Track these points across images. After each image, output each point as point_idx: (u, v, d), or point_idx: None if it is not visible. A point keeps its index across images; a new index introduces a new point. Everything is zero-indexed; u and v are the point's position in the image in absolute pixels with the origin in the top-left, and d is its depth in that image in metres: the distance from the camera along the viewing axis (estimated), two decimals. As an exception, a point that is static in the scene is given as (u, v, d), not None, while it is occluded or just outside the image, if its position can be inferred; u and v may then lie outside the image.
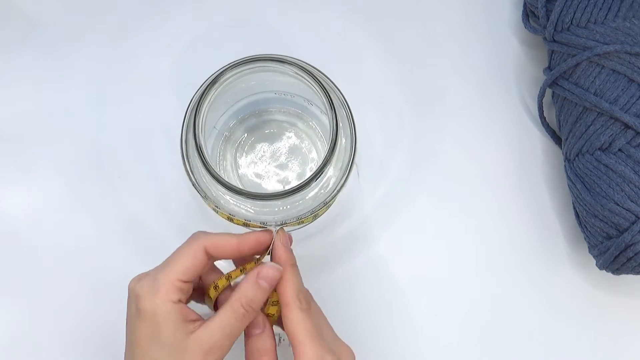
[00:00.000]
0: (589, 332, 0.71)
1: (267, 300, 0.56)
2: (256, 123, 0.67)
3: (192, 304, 0.56)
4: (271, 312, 0.56)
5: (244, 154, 0.67)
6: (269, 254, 0.56)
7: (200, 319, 0.54)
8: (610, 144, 0.65)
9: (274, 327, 0.58)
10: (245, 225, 0.58)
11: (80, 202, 0.72)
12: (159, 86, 0.74)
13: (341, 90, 0.59)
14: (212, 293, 0.56)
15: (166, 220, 0.71)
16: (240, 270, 0.56)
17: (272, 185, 0.66)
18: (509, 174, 0.74)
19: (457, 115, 0.75)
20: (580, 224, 0.68)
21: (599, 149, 0.65)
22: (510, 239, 0.72)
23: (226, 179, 0.54)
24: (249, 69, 0.57)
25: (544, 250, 0.72)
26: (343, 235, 0.71)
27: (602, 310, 0.71)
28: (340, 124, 0.56)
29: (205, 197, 0.57)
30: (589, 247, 0.68)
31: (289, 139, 0.67)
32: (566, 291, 0.71)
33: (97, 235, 0.71)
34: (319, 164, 0.54)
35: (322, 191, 0.58)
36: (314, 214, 0.57)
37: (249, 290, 0.53)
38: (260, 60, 0.57)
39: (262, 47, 0.61)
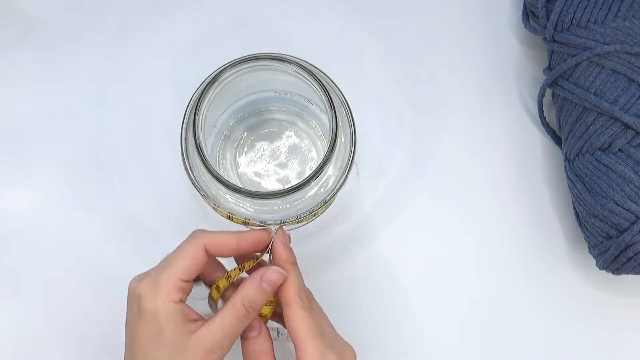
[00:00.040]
0: (589, 332, 0.71)
1: None
2: (256, 122, 0.67)
3: (192, 304, 0.55)
4: (264, 312, 0.56)
5: (244, 152, 0.67)
6: (268, 252, 0.56)
7: (201, 319, 0.54)
8: (610, 144, 0.65)
9: (271, 321, 0.58)
10: (245, 224, 0.58)
11: (80, 202, 0.72)
12: (159, 86, 0.74)
13: (341, 90, 0.59)
14: (215, 294, 0.56)
15: (166, 220, 0.71)
16: (240, 269, 0.56)
17: (271, 184, 0.66)
18: (509, 174, 0.74)
19: (457, 115, 0.75)
20: (580, 224, 0.68)
21: (599, 149, 0.65)
22: (510, 239, 0.72)
23: (226, 178, 0.54)
24: (249, 67, 0.57)
25: (544, 250, 0.72)
26: (343, 235, 0.71)
27: (602, 310, 0.71)
28: (340, 123, 0.56)
29: (204, 195, 0.57)
30: (589, 247, 0.68)
31: (288, 138, 0.67)
32: (566, 291, 0.71)
33: (97, 235, 0.71)
34: (319, 163, 0.54)
35: (322, 190, 0.58)
36: (314, 213, 0.57)
37: (252, 291, 0.54)
38: (260, 58, 0.57)
39: (262, 47, 0.61)
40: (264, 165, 0.66)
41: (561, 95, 0.69)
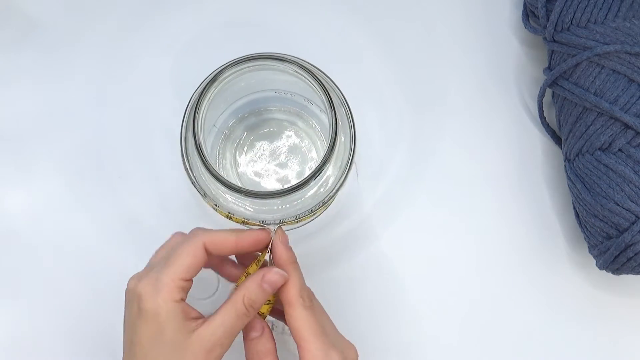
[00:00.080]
0: (589, 332, 0.71)
1: None
2: (256, 122, 0.67)
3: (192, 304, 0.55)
4: (262, 310, 0.57)
5: (244, 152, 0.67)
6: (269, 252, 0.56)
7: (201, 317, 0.54)
8: (610, 144, 0.65)
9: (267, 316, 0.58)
10: (244, 223, 0.58)
11: (80, 202, 0.72)
12: (159, 86, 0.74)
13: (341, 90, 0.59)
14: None
15: (166, 220, 0.71)
16: (245, 276, 0.57)
17: (271, 184, 0.66)
18: (509, 174, 0.74)
19: (457, 114, 0.75)
20: (580, 224, 0.68)
21: (599, 149, 0.65)
22: (510, 239, 0.72)
23: (225, 178, 0.54)
24: (249, 67, 0.57)
25: (544, 250, 0.72)
26: (343, 235, 0.71)
27: (602, 310, 0.71)
28: (340, 123, 0.56)
29: (204, 195, 0.57)
30: (589, 247, 0.68)
31: (288, 138, 0.67)
32: (566, 291, 0.71)
33: (97, 235, 0.71)
34: (318, 163, 0.54)
35: (321, 190, 0.58)
36: (312, 213, 0.57)
37: (253, 291, 0.54)
38: (260, 58, 0.57)
39: (262, 47, 0.61)
40: (264, 165, 0.66)
41: (561, 95, 0.69)
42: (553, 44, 0.69)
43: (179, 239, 0.57)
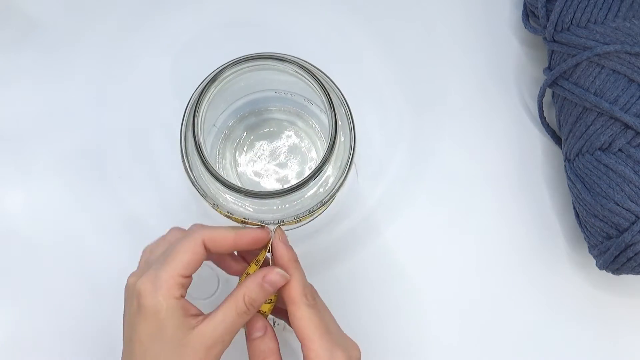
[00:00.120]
0: (589, 332, 0.71)
1: None
2: (256, 121, 0.67)
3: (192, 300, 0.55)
4: (263, 309, 0.56)
5: (244, 152, 0.67)
6: (268, 251, 0.56)
7: (201, 314, 0.54)
8: (610, 144, 0.65)
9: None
10: (244, 223, 0.58)
11: (80, 202, 0.72)
12: (159, 86, 0.74)
13: (340, 90, 0.59)
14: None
15: (166, 220, 0.70)
16: (245, 276, 0.57)
17: (271, 184, 0.66)
18: (509, 174, 0.74)
19: (457, 115, 0.75)
20: (580, 224, 0.68)
21: (599, 149, 0.65)
22: (510, 239, 0.72)
23: (225, 178, 0.54)
24: (249, 67, 0.57)
25: (544, 250, 0.72)
26: (343, 234, 0.71)
27: (602, 310, 0.71)
28: (340, 123, 0.56)
29: (204, 195, 0.57)
30: (589, 247, 0.68)
31: (288, 138, 0.67)
32: (566, 291, 0.71)
33: (97, 235, 0.71)
34: (318, 163, 0.54)
35: (321, 190, 0.58)
36: (312, 213, 0.57)
37: (254, 290, 0.54)
38: (260, 58, 0.57)
39: (262, 47, 0.61)
40: (264, 164, 0.66)
41: (561, 95, 0.69)
42: (553, 44, 0.69)
43: (178, 235, 0.57)
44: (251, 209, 0.57)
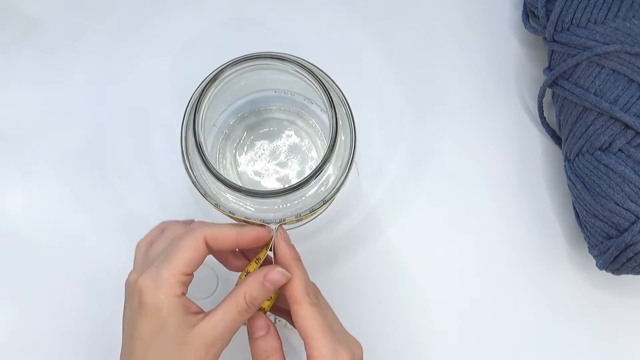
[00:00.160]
0: (589, 332, 0.71)
1: None
2: (256, 121, 0.67)
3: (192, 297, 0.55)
4: (263, 306, 0.56)
5: (244, 152, 0.67)
6: (271, 250, 0.56)
7: (202, 311, 0.54)
8: (610, 144, 0.65)
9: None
10: (246, 223, 0.58)
11: (80, 202, 0.72)
12: (159, 86, 0.74)
13: (341, 89, 0.59)
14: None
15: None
16: (245, 274, 0.57)
17: (271, 184, 0.66)
18: (509, 174, 0.74)
19: (457, 115, 0.75)
20: (580, 224, 0.68)
21: (599, 149, 0.65)
22: (510, 239, 0.72)
23: (226, 177, 0.54)
24: (249, 66, 0.57)
25: (544, 250, 0.72)
26: (344, 233, 0.71)
27: (602, 310, 0.71)
28: (340, 122, 0.56)
29: (205, 195, 0.56)
30: (589, 247, 0.68)
31: (288, 138, 0.67)
32: (566, 291, 0.71)
33: (97, 235, 0.71)
34: (319, 162, 0.54)
35: (322, 189, 0.58)
36: (314, 212, 0.57)
37: (255, 288, 0.54)
38: (260, 57, 0.57)
39: (262, 47, 0.61)
40: (264, 164, 0.66)
41: (561, 95, 0.69)
42: (553, 44, 0.69)
43: (179, 231, 0.57)
44: (252, 209, 0.57)
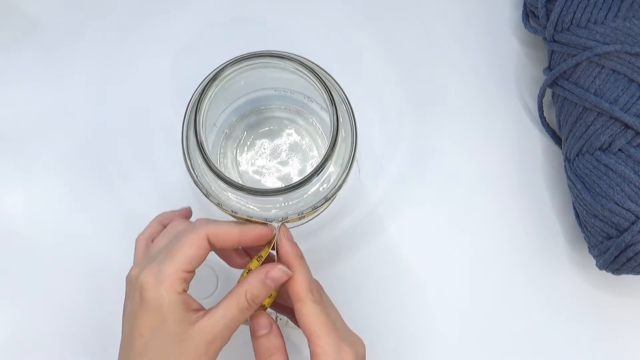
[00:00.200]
0: (589, 332, 0.71)
1: None
2: (256, 120, 0.67)
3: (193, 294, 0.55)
4: (263, 303, 0.56)
5: (245, 151, 0.67)
6: (273, 248, 0.56)
7: (202, 309, 0.54)
8: (610, 144, 0.65)
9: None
10: (248, 221, 0.58)
11: (80, 202, 0.72)
12: (159, 86, 0.74)
13: (341, 87, 0.59)
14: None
15: (166, 220, 0.71)
16: (247, 272, 0.57)
17: (272, 182, 0.66)
18: (509, 174, 0.74)
19: (457, 115, 0.75)
20: (580, 224, 0.68)
21: (599, 149, 0.65)
22: (510, 239, 0.72)
23: (227, 176, 0.54)
24: (249, 65, 0.57)
25: (544, 250, 0.72)
26: (345, 231, 0.71)
27: (602, 310, 0.71)
28: (341, 119, 0.56)
29: (207, 194, 0.56)
30: (589, 247, 0.68)
31: (289, 136, 0.67)
32: (566, 291, 0.71)
33: (97, 235, 0.71)
34: (321, 159, 0.54)
35: (323, 187, 0.58)
36: (316, 209, 0.57)
37: (256, 286, 0.54)
38: (260, 56, 0.57)
39: (262, 47, 0.61)
40: (265, 163, 0.66)
41: (561, 95, 0.69)
42: (553, 44, 0.69)
43: (181, 227, 0.57)
44: (254, 207, 0.57)
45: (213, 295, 0.69)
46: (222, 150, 0.66)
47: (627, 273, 0.65)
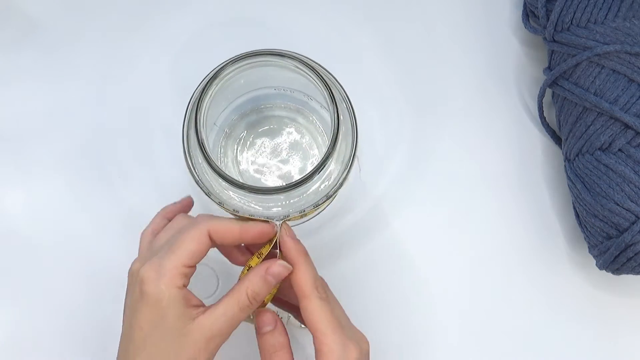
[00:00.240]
0: (589, 332, 0.71)
1: None
2: (257, 119, 0.67)
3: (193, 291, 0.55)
4: (264, 299, 0.56)
5: (245, 150, 0.67)
6: (275, 246, 0.56)
7: (202, 305, 0.54)
8: (610, 144, 0.65)
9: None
10: (250, 220, 0.58)
11: (80, 202, 0.72)
12: (159, 86, 0.74)
13: (342, 85, 0.59)
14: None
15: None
16: (247, 269, 0.57)
17: (273, 181, 0.66)
18: (509, 174, 0.74)
19: (457, 115, 0.75)
20: (580, 224, 0.68)
21: (599, 149, 0.65)
22: (510, 239, 0.72)
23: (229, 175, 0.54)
24: (249, 63, 0.57)
25: (544, 250, 0.72)
26: (347, 228, 0.72)
27: (602, 310, 0.71)
28: (342, 117, 0.56)
29: (208, 193, 0.56)
30: (589, 247, 0.68)
31: (289, 135, 0.67)
32: (566, 291, 0.71)
33: (97, 235, 0.71)
34: (322, 156, 0.54)
35: (325, 184, 0.58)
36: (318, 207, 0.57)
37: (257, 283, 0.54)
38: (260, 54, 0.57)
39: (262, 46, 0.61)
40: (266, 161, 0.66)
41: (561, 95, 0.69)
42: (553, 44, 0.69)
43: (184, 222, 0.57)
44: (255, 206, 0.57)
45: (214, 296, 0.69)
46: (222, 150, 0.66)
47: (627, 273, 0.66)
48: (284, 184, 0.55)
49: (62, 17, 0.76)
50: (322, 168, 0.54)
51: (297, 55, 0.57)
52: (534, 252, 0.72)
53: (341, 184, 0.57)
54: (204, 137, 0.55)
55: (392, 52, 0.76)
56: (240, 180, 0.55)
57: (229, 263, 0.61)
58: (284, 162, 0.66)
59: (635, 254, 0.63)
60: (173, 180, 0.71)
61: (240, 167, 0.66)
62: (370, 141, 0.73)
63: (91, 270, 0.70)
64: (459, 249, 0.72)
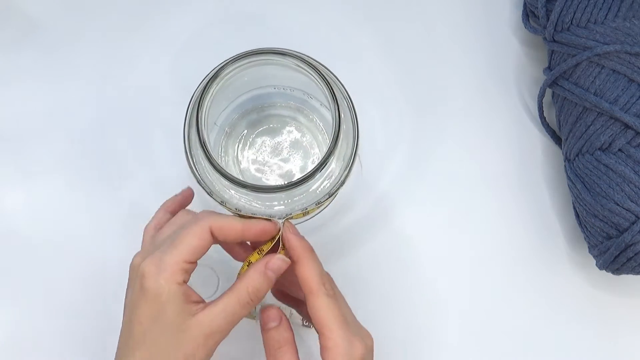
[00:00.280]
0: (589, 332, 0.71)
1: None
2: (257, 118, 0.67)
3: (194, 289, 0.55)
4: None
5: (246, 149, 0.67)
6: (277, 244, 0.56)
7: (202, 301, 0.54)
8: (610, 144, 0.65)
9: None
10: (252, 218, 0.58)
11: (80, 202, 0.72)
12: (159, 86, 0.74)
13: (342, 83, 0.59)
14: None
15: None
16: (247, 264, 0.57)
17: (274, 179, 0.66)
18: (509, 174, 0.74)
19: (457, 115, 0.75)
20: (580, 224, 0.68)
21: (599, 149, 0.65)
22: (510, 239, 0.72)
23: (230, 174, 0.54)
24: (250, 62, 0.57)
25: (544, 250, 0.72)
26: (349, 226, 0.72)
27: (602, 310, 0.71)
28: (343, 115, 0.56)
29: (210, 192, 0.56)
30: (589, 247, 0.68)
31: (290, 133, 0.67)
32: (566, 291, 0.71)
33: (97, 235, 0.71)
34: (324, 154, 0.54)
35: (326, 183, 0.58)
36: (320, 205, 0.57)
37: (257, 280, 0.54)
38: (261, 53, 0.57)
39: (262, 45, 0.61)
40: (267, 160, 0.66)
41: (561, 95, 0.69)
42: (553, 44, 0.69)
43: (187, 218, 0.57)
44: (256, 205, 0.57)
45: (214, 296, 0.69)
46: (223, 149, 0.66)
47: (627, 273, 0.66)
48: (285, 182, 0.55)
49: (62, 17, 0.76)
50: (324, 166, 0.54)
51: (298, 54, 0.57)
52: (534, 252, 0.72)
53: (343, 182, 0.57)
54: (205, 136, 0.55)
55: (392, 52, 0.76)
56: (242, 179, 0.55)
57: (229, 263, 0.61)
58: (285, 160, 0.66)
59: (635, 254, 0.63)
60: (173, 180, 0.71)
61: (241, 166, 0.66)
62: (371, 141, 0.73)
63: (91, 270, 0.70)
64: (458, 248, 0.72)
